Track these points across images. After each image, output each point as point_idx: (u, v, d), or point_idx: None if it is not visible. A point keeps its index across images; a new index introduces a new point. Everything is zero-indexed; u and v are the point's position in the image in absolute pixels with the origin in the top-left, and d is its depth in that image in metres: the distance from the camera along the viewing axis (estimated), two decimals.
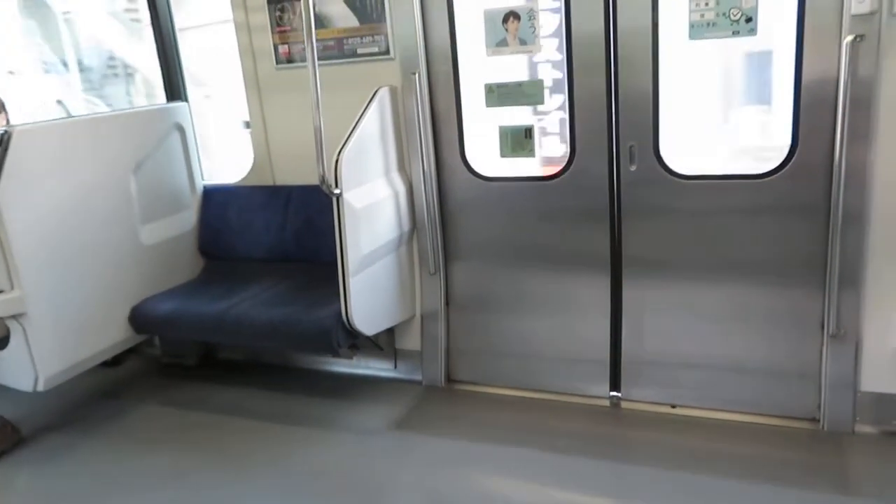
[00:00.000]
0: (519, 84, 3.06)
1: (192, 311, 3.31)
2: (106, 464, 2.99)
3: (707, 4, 2.64)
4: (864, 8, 2.41)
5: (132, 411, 3.44)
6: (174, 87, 3.86)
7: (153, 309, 3.40)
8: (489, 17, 3.01)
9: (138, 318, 3.42)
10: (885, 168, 2.55)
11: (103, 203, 3.31)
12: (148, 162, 3.55)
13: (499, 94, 3.09)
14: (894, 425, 2.72)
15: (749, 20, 2.61)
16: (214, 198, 3.85)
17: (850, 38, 2.45)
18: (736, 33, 2.64)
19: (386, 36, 3.19)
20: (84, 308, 3.20)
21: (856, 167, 2.57)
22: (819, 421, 2.82)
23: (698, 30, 2.68)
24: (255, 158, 3.71)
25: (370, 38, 3.24)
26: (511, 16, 2.98)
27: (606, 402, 3.16)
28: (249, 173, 3.75)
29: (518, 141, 3.12)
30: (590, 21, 2.85)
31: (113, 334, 3.39)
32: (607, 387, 3.17)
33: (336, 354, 3.19)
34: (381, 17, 3.18)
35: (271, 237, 3.65)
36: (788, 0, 2.56)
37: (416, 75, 3.12)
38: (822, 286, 2.74)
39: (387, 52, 3.21)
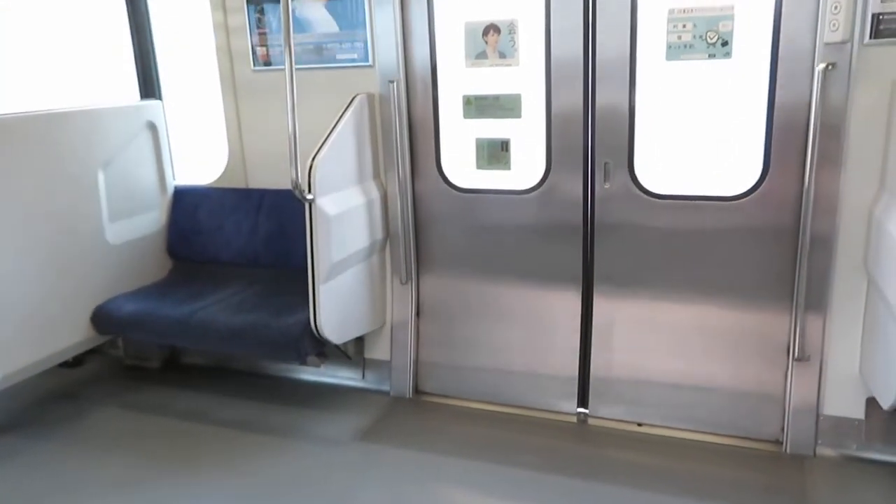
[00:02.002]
0: (496, 97, 3.06)
1: (156, 313, 3.25)
2: (58, 468, 2.91)
3: (685, 27, 2.67)
4: (837, 37, 2.45)
5: (90, 414, 3.36)
6: (148, 84, 3.80)
7: (117, 309, 3.33)
8: (469, 29, 3.02)
9: (101, 319, 3.35)
10: (853, 194, 2.59)
11: (69, 199, 3.24)
12: (118, 159, 3.48)
13: (476, 106, 3.09)
14: (854, 449, 2.75)
15: (725, 44, 2.65)
16: (185, 198, 3.79)
17: (822, 65, 2.49)
18: (712, 56, 2.67)
19: (366, 43, 3.18)
20: (44, 306, 3.12)
21: (825, 193, 2.60)
22: (782, 443, 2.84)
23: (675, 51, 2.71)
24: (228, 160, 3.67)
25: (350, 45, 3.22)
26: (491, 28, 2.98)
27: (574, 419, 3.16)
28: (222, 175, 3.71)
29: (494, 154, 3.12)
30: (569, 41, 2.86)
31: (74, 334, 3.31)
32: (575, 403, 3.16)
33: (303, 362, 3.15)
34: (362, 25, 3.16)
35: (242, 241, 3.60)
36: (764, 26, 2.60)
37: (395, 84, 3.11)
38: (789, 309, 2.77)
39: (366, 59, 3.20)
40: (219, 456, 2.95)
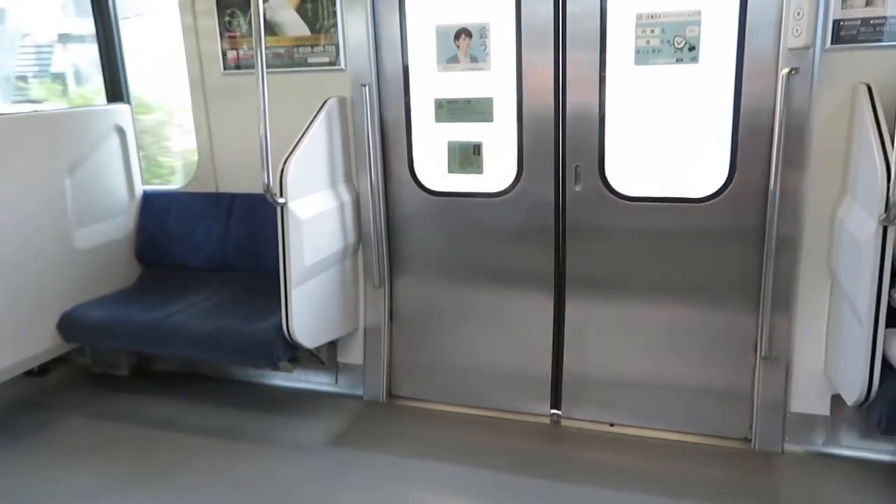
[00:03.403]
0: (468, 101, 3.07)
1: (125, 319, 3.20)
2: (23, 479, 2.84)
3: (653, 32, 2.71)
4: (800, 42, 2.51)
5: (57, 423, 3.29)
6: (116, 88, 3.75)
7: (84, 316, 3.27)
8: (441, 32, 3.03)
9: (68, 326, 3.29)
10: (816, 196, 2.65)
11: (34, 204, 3.18)
12: (85, 164, 3.43)
13: (448, 110, 3.10)
14: (820, 445, 2.81)
15: (692, 49, 2.69)
16: (154, 203, 3.74)
17: (786, 70, 2.55)
18: (679, 60, 2.72)
19: (337, 47, 3.17)
20: (8, 313, 3.06)
21: (790, 194, 2.66)
22: (751, 441, 2.89)
23: (644, 56, 2.75)
24: (198, 164, 3.63)
25: (321, 48, 3.21)
26: (463, 33, 3.00)
27: (547, 420, 3.17)
28: (192, 179, 3.67)
29: (466, 157, 3.14)
30: (540, 45, 2.89)
31: (40, 342, 3.24)
32: (548, 405, 3.18)
33: (275, 367, 3.13)
34: (333, 28, 3.16)
35: (212, 245, 3.56)
36: (730, 32, 2.65)
37: (367, 87, 3.10)
38: (756, 309, 2.82)
39: (338, 62, 3.19)
40: (189, 464, 2.90)
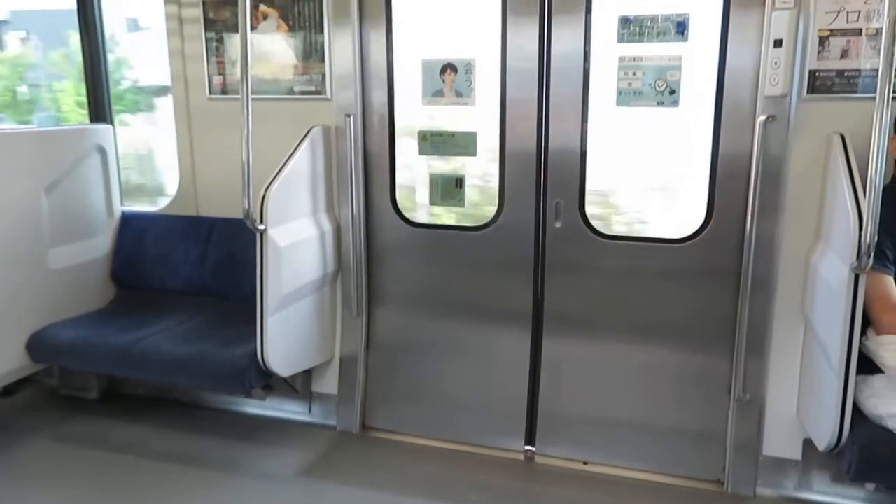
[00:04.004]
0: (452, 134, 3.10)
1: (95, 342, 3.15)
2: None
3: (635, 74, 2.76)
4: (777, 91, 2.57)
5: (21, 446, 3.21)
6: (99, 108, 3.73)
7: (53, 336, 3.22)
8: (427, 66, 3.06)
9: (37, 346, 3.23)
10: (791, 241, 2.69)
11: (8, 221, 3.14)
12: (63, 183, 3.40)
13: (432, 143, 3.13)
14: (792, 490, 2.81)
15: (673, 92, 2.74)
16: (133, 224, 3.71)
17: (763, 117, 2.60)
18: (660, 103, 2.77)
19: (324, 76, 3.20)
20: None
21: (765, 238, 2.70)
22: (723, 483, 2.88)
23: (625, 97, 2.79)
24: (179, 187, 3.62)
25: (308, 77, 3.23)
26: (448, 68, 3.03)
27: (521, 456, 3.15)
28: (172, 202, 3.65)
29: (448, 190, 3.15)
30: (524, 83, 2.93)
31: (7, 362, 3.18)
32: (522, 441, 3.16)
33: (248, 395, 3.08)
34: (320, 57, 3.18)
35: (189, 269, 3.53)
36: (709, 77, 2.71)
37: (352, 117, 3.12)
38: (731, 351, 2.84)
39: (323, 91, 3.21)
40: (156, 491, 2.84)
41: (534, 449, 3.15)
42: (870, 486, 2.63)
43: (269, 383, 3.12)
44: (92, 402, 3.65)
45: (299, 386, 3.39)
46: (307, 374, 3.39)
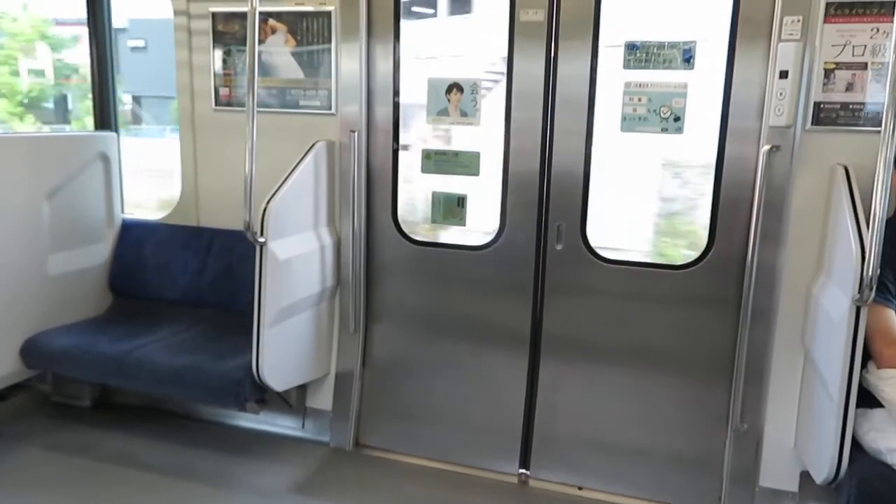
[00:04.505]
0: (456, 154, 3.11)
1: (90, 349, 3.13)
2: None
3: (640, 100, 2.77)
4: (782, 121, 2.58)
5: (11, 452, 3.17)
6: (105, 116, 3.75)
7: (48, 343, 3.20)
8: (433, 85, 3.07)
9: (31, 352, 3.21)
10: (792, 271, 2.68)
11: (8, 226, 3.13)
12: (65, 189, 3.40)
13: (435, 161, 3.13)
14: None
15: (677, 119, 2.75)
16: (133, 232, 3.70)
17: (767, 147, 2.61)
18: (665, 130, 2.77)
19: (329, 91, 3.21)
20: None
21: (767, 268, 2.69)
22: None
23: (630, 123, 2.80)
24: (181, 197, 3.61)
25: (314, 92, 3.24)
26: (455, 87, 3.04)
27: (515, 480, 3.12)
28: (173, 212, 3.64)
29: (450, 209, 3.15)
30: (529, 105, 2.94)
31: (0, 366, 3.15)
32: (517, 464, 3.13)
33: (242, 408, 3.06)
34: (327, 73, 3.20)
35: (188, 279, 3.51)
36: (715, 106, 2.72)
37: (356, 133, 3.12)
38: (729, 379, 2.82)
39: (329, 107, 3.22)
40: (144, 502, 2.81)
41: (528, 472, 3.11)
42: None
43: (263, 397, 3.10)
44: (84, 410, 3.62)
45: (294, 401, 3.36)
46: (302, 389, 3.37)
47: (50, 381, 3.69)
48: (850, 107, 2.55)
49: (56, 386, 3.69)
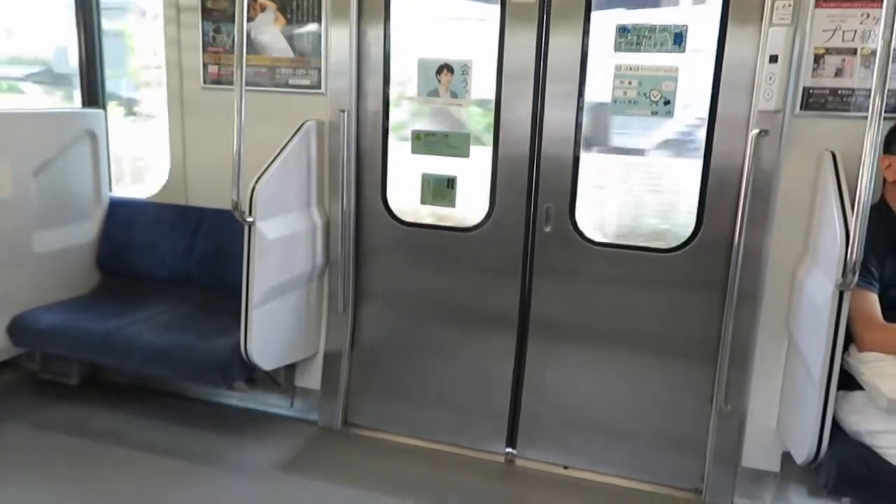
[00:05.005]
0: (445, 134, 3.10)
1: (78, 327, 3.12)
2: None
3: (630, 83, 2.77)
4: (771, 106, 2.59)
5: None
6: (92, 92, 3.70)
7: (35, 321, 3.19)
8: (423, 66, 3.06)
9: (17, 329, 3.20)
10: (778, 255, 2.70)
11: None
12: (52, 166, 3.37)
13: (425, 142, 3.12)
14: (769, 502, 2.83)
15: (667, 103, 2.75)
16: (120, 211, 3.68)
17: (755, 131, 2.62)
18: (654, 113, 2.78)
19: (319, 70, 3.18)
20: None
21: (753, 252, 2.71)
22: (702, 492, 2.90)
23: (619, 106, 2.80)
24: (169, 176, 3.59)
25: (303, 71, 3.22)
26: (445, 68, 3.03)
27: (501, 459, 3.15)
28: (161, 190, 3.62)
29: (440, 190, 3.15)
30: (519, 87, 2.93)
31: None
32: (503, 443, 3.16)
33: (230, 387, 3.08)
34: (316, 52, 3.17)
35: (176, 258, 3.50)
36: (704, 90, 2.72)
37: (346, 113, 3.11)
38: (714, 361, 2.86)
39: (318, 86, 3.20)
40: (133, 481, 2.82)
41: (515, 452, 3.15)
42: (846, 500, 2.64)
43: (251, 376, 3.12)
44: (72, 388, 3.62)
45: (282, 380, 3.38)
46: (290, 369, 3.38)
47: (38, 360, 3.69)
48: (839, 92, 2.56)
49: (44, 364, 3.68)
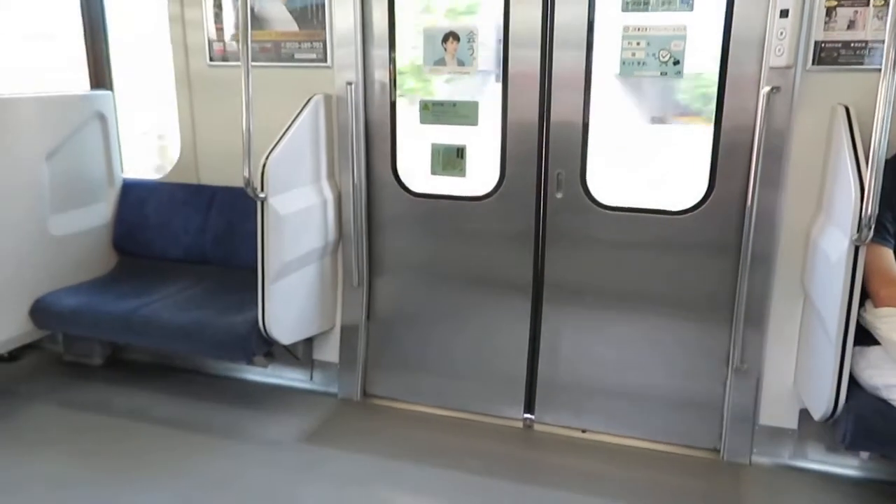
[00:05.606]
0: (454, 104, 3.08)
1: (98, 308, 3.17)
2: None
3: (638, 44, 2.73)
4: (782, 62, 2.55)
5: (26, 411, 3.25)
6: (100, 75, 3.71)
7: (57, 303, 3.24)
8: (428, 35, 3.03)
9: (40, 312, 3.25)
10: (792, 213, 2.69)
11: (9, 188, 3.14)
12: (64, 149, 3.39)
13: (433, 112, 3.11)
14: (787, 458, 2.85)
15: (677, 63, 2.72)
16: (134, 192, 3.71)
17: (767, 88, 2.58)
18: (664, 74, 2.75)
19: (324, 43, 3.17)
20: None
21: (766, 211, 2.70)
22: (720, 451, 2.92)
23: (628, 67, 2.77)
24: (180, 155, 3.61)
25: (309, 44, 3.20)
26: (451, 36, 3.00)
27: (520, 424, 3.19)
28: (173, 170, 3.64)
29: (450, 160, 3.14)
30: (526, 52, 2.90)
31: (11, 327, 3.21)
32: (521, 409, 3.20)
33: (250, 362, 3.12)
34: (321, 25, 3.15)
35: (190, 237, 3.54)
36: (713, 48, 2.68)
37: (352, 86, 3.10)
38: (730, 322, 2.86)
39: (324, 59, 3.18)
40: (158, 456, 2.89)
41: (533, 417, 3.18)
42: (864, 454, 2.67)
43: (270, 351, 3.16)
44: (96, 368, 3.69)
45: (300, 354, 3.42)
46: (308, 343, 3.42)
47: (61, 341, 3.76)
48: (852, 45, 2.52)
49: (67, 346, 3.75)
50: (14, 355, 3.60)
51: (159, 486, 2.68)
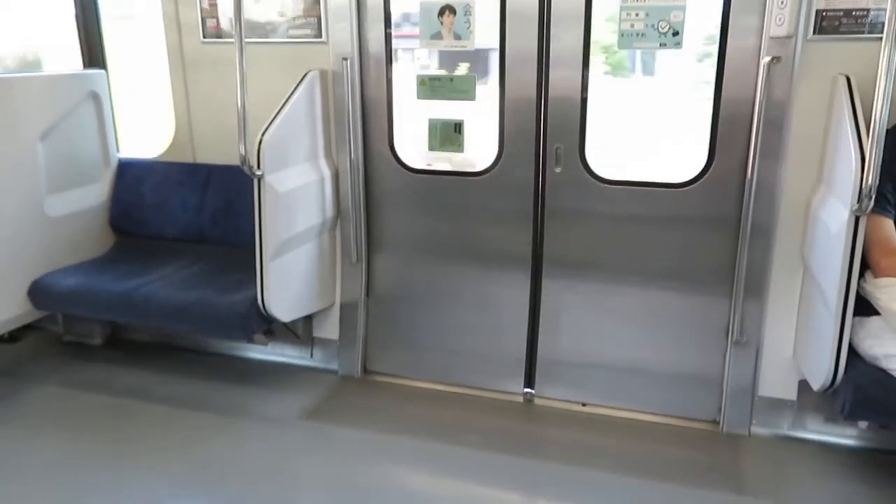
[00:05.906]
0: (451, 78, 3.06)
1: (97, 288, 3.16)
2: None
3: (637, 15, 2.70)
4: (782, 31, 2.52)
5: (27, 391, 3.26)
6: (93, 53, 3.67)
7: (55, 284, 3.23)
8: (425, 8, 2.99)
9: (39, 293, 3.25)
10: (792, 185, 2.67)
11: (3, 170, 3.11)
12: (58, 129, 3.36)
13: (431, 87, 3.08)
14: (786, 429, 2.87)
15: (676, 34, 2.69)
16: (129, 171, 3.69)
17: (767, 58, 2.56)
18: (663, 45, 2.71)
19: (319, 19, 3.13)
20: None
21: (766, 183, 2.68)
22: (719, 423, 2.94)
23: (627, 39, 2.74)
24: (175, 134, 3.58)
25: (303, 20, 3.16)
26: (447, 9, 2.97)
27: (520, 399, 3.20)
28: (168, 149, 3.62)
29: (447, 135, 3.12)
30: (524, 25, 2.87)
31: (10, 308, 3.20)
32: (522, 384, 3.21)
33: (250, 340, 3.12)
34: (316, 0, 3.11)
35: (188, 216, 3.52)
36: (714, 18, 2.65)
37: (348, 61, 3.07)
38: (729, 294, 2.86)
39: (319, 35, 3.14)
40: (160, 435, 2.90)
41: (533, 391, 3.20)
42: (862, 424, 2.68)
43: (270, 328, 3.16)
44: (96, 348, 3.70)
45: (300, 331, 3.42)
46: (308, 320, 3.42)
47: (61, 322, 3.76)
48: (854, 14, 2.49)
49: (67, 326, 3.76)
50: (14, 336, 3.60)
51: (160, 464, 2.69)
